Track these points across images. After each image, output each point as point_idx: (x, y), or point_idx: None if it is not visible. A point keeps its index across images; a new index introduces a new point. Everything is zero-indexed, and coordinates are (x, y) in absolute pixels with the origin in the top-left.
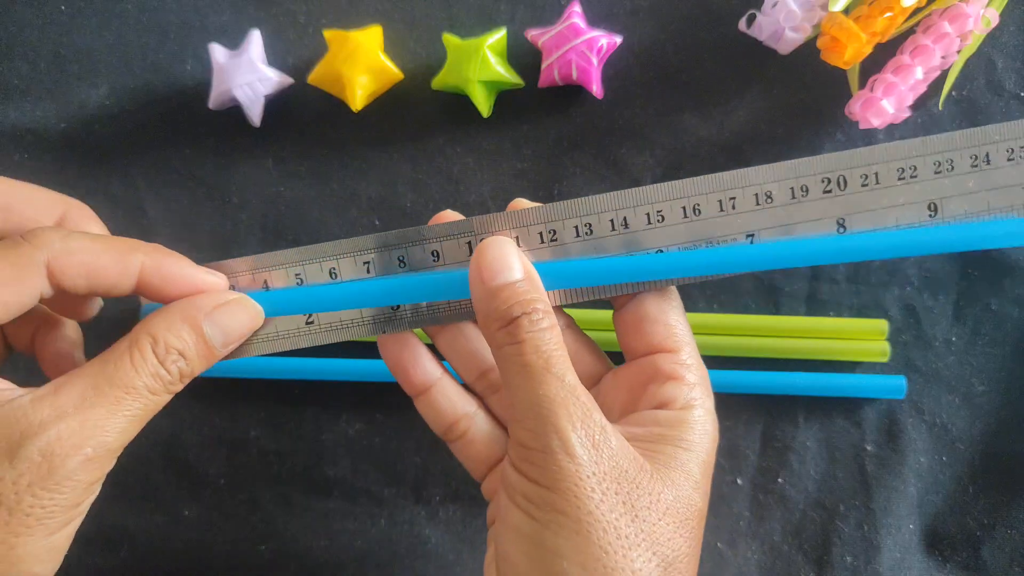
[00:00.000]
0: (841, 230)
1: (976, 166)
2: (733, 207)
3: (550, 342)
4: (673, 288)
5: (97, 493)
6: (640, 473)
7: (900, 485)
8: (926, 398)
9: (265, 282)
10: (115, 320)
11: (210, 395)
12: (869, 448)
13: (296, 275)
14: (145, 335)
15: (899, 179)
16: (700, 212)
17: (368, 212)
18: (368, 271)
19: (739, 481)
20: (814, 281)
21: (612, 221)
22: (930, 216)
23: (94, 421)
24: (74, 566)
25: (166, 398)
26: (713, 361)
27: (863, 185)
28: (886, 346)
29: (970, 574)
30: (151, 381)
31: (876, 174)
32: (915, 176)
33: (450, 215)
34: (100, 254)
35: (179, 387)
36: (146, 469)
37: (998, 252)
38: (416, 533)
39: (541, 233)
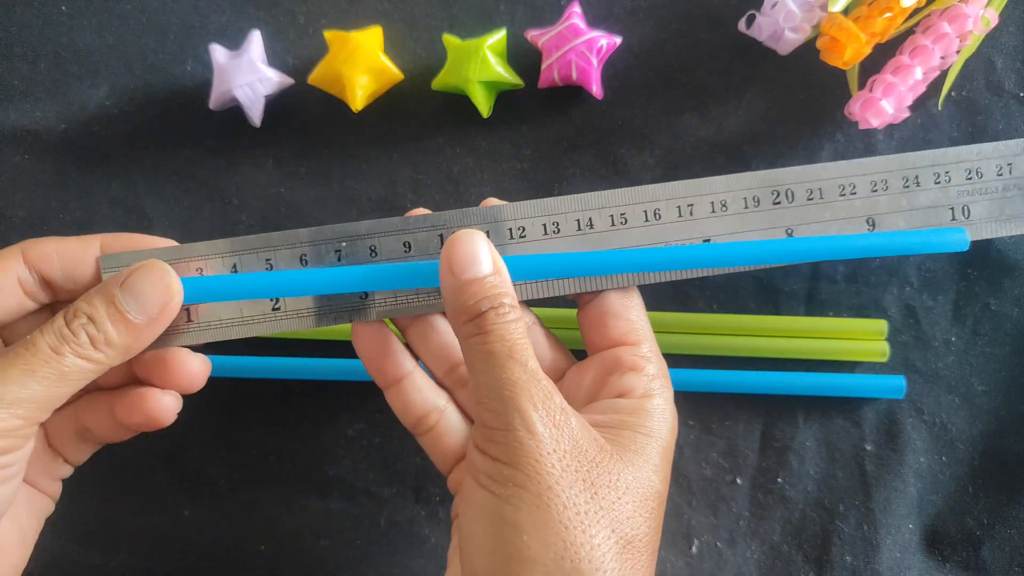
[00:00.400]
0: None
1: (907, 187)
2: (691, 213)
3: (514, 332)
4: (634, 286)
5: (24, 450)
6: (600, 453)
7: (900, 485)
8: (926, 398)
9: (235, 266)
10: None
11: (210, 395)
12: (869, 448)
13: (267, 260)
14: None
15: (840, 195)
16: (660, 217)
17: (368, 212)
18: (339, 259)
19: (739, 481)
20: (813, 281)
21: (578, 221)
22: (869, 229)
23: (9, 377)
24: (74, 566)
25: (77, 362)
26: (713, 361)
27: (808, 199)
28: (885, 346)
29: (970, 574)
30: (53, 339)
31: (820, 189)
32: (854, 193)
33: (421, 211)
34: (66, 240)
35: (93, 352)
36: (146, 469)
37: (997, 252)
38: (416, 533)
39: (511, 229)
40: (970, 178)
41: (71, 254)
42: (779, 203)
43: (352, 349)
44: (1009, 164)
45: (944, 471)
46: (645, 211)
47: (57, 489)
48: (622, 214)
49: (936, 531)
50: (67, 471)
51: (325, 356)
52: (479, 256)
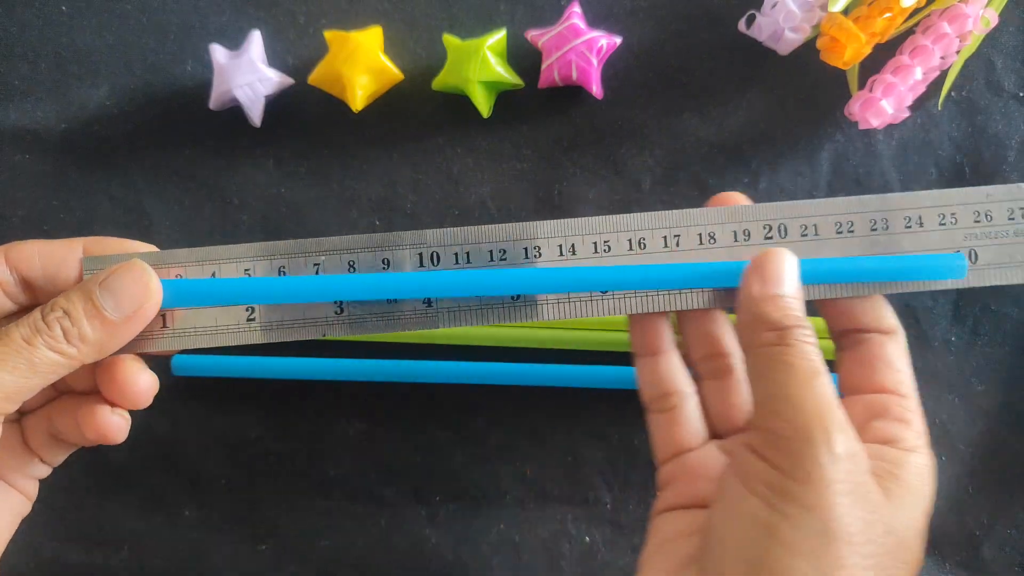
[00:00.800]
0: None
1: (909, 227)
2: (677, 244)
3: (818, 355)
4: (902, 333)
5: None
6: (880, 501)
7: None
8: (925, 398)
9: (213, 273)
10: None
11: (211, 395)
12: None
13: (245, 270)
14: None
15: (837, 232)
16: (645, 246)
17: (368, 213)
18: (316, 271)
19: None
20: None
21: (560, 247)
22: None
23: None
24: (75, 565)
25: (49, 355)
26: None
27: (802, 235)
28: None
29: (970, 574)
30: (27, 331)
31: (815, 226)
32: (852, 231)
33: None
34: (49, 243)
35: (66, 346)
36: (146, 469)
37: None
38: (416, 533)
39: (491, 251)
40: (978, 221)
41: (53, 257)
42: (771, 238)
43: (352, 349)
44: (1022, 208)
45: (944, 471)
46: (630, 240)
47: (33, 489)
48: (606, 241)
49: (936, 531)
50: (44, 471)
51: (325, 356)
52: (787, 275)
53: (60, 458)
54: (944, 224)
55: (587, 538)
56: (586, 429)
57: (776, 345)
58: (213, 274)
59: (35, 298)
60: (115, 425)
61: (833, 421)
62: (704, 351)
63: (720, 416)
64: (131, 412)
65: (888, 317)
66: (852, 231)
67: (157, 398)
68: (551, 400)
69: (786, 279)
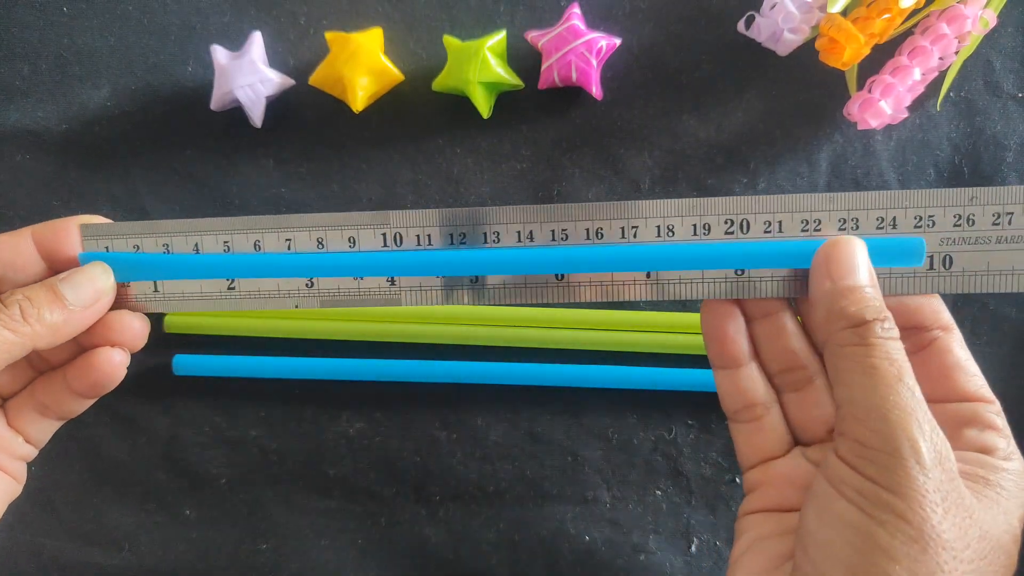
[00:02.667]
0: (739, 273)
1: (881, 227)
2: (635, 235)
3: (900, 352)
4: (958, 330)
5: None
6: (972, 505)
7: None
8: None
9: (196, 244)
10: None
11: (211, 395)
12: None
13: (225, 242)
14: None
15: (803, 231)
16: (602, 236)
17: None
18: (288, 247)
19: (738, 480)
20: None
21: (519, 233)
22: None
23: None
24: (75, 565)
25: (4, 333)
26: None
27: (766, 231)
28: None
29: None
30: None
31: (780, 222)
32: (818, 229)
33: None
34: (1, 235)
35: (22, 325)
36: (147, 469)
37: None
38: (416, 532)
39: (452, 234)
40: (958, 225)
41: (6, 246)
42: (732, 233)
43: (352, 350)
44: (1010, 214)
45: None
46: (588, 229)
47: (20, 472)
48: (563, 230)
49: None
50: (30, 452)
51: (325, 356)
52: (860, 264)
53: (45, 435)
54: (920, 227)
55: (586, 537)
56: (586, 429)
57: (857, 346)
58: (196, 245)
59: None
60: (117, 362)
61: (919, 431)
62: (781, 365)
63: (803, 426)
64: (128, 415)
65: (944, 312)
66: (819, 229)
67: (157, 397)
68: (551, 400)
69: (859, 268)
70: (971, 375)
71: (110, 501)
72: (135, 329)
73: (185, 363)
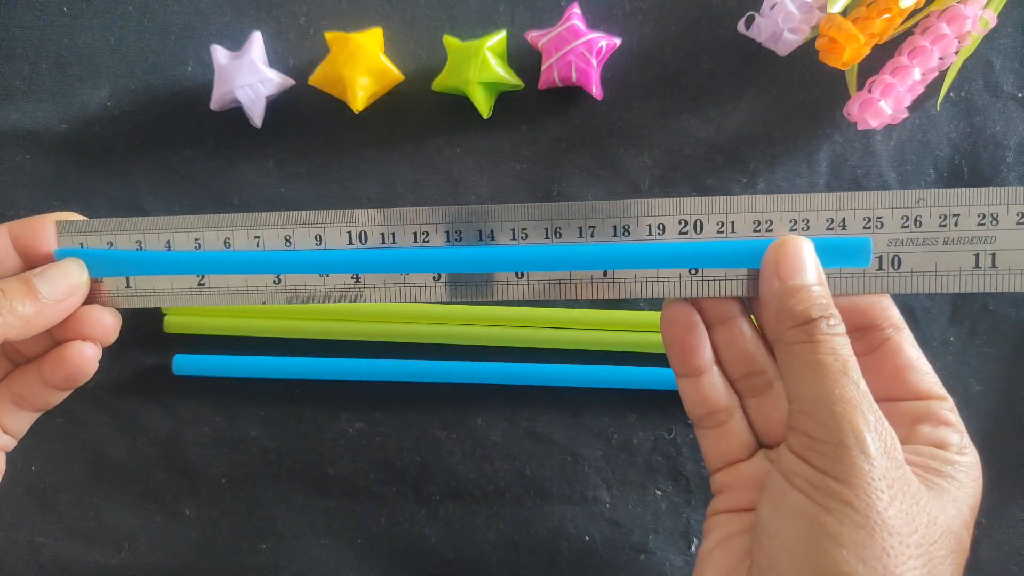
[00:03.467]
0: (693, 272)
1: (831, 228)
2: (592, 234)
3: (846, 347)
4: (907, 327)
5: None
6: (920, 492)
7: None
8: None
9: (168, 240)
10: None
11: (211, 394)
12: None
13: (195, 239)
14: None
15: (755, 231)
16: (560, 235)
17: None
18: (256, 245)
19: None
20: None
21: (480, 232)
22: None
23: None
24: (75, 565)
25: None
26: None
27: (719, 232)
28: None
29: (968, 573)
30: None
31: (732, 223)
32: (770, 230)
33: None
34: None
35: None
36: (147, 468)
37: None
38: (416, 532)
39: (415, 233)
40: (906, 226)
41: None
42: (685, 233)
43: (352, 350)
44: (956, 215)
45: None
46: (547, 228)
47: None
48: (523, 229)
49: None
50: (8, 442)
51: (325, 356)
52: (807, 263)
53: (23, 426)
54: (868, 227)
55: (586, 537)
56: (585, 429)
57: (804, 343)
58: (168, 242)
59: None
60: (88, 355)
61: (864, 422)
62: (740, 371)
63: (765, 429)
64: (128, 415)
65: (894, 311)
66: (770, 230)
67: (157, 397)
68: (551, 400)
69: (807, 267)
70: (924, 373)
71: (110, 500)
72: (106, 324)
73: (185, 363)
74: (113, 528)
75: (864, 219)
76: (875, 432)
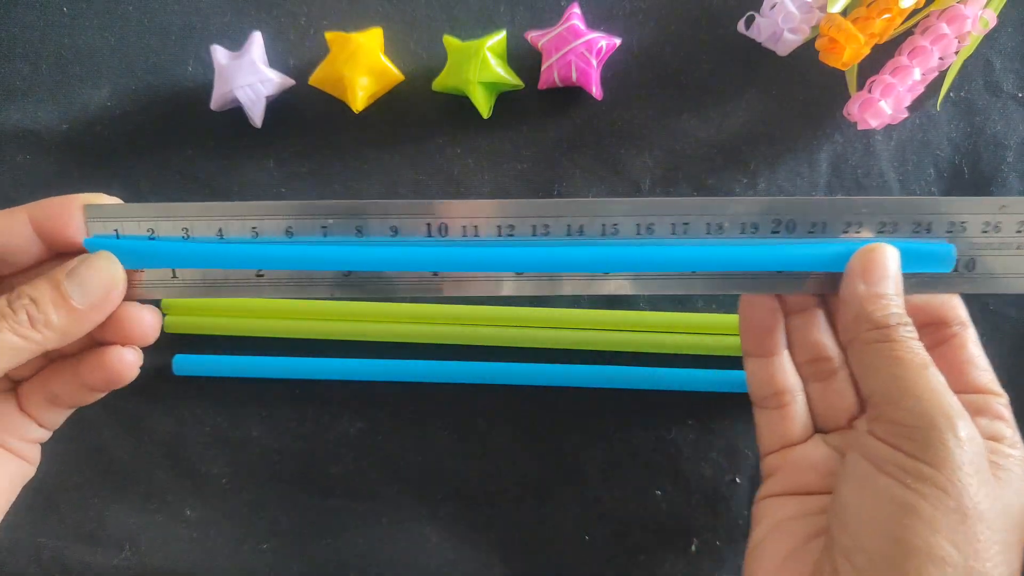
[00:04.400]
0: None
1: (917, 231)
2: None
3: (922, 348)
4: (972, 326)
5: None
6: (995, 481)
7: None
8: None
9: (220, 229)
10: None
11: (212, 395)
12: None
13: (253, 227)
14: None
15: (843, 232)
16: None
17: None
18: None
19: (738, 480)
20: None
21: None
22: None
23: None
24: (76, 565)
25: (13, 339)
26: (713, 361)
27: (809, 232)
28: None
29: None
30: None
31: (824, 224)
32: (859, 231)
33: None
34: None
35: (30, 331)
36: (148, 469)
37: None
38: (417, 531)
39: (499, 227)
40: (986, 231)
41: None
42: (778, 232)
43: (353, 350)
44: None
45: None
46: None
47: (33, 454)
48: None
49: None
50: (43, 435)
51: (326, 356)
52: (891, 273)
53: (58, 420)
54: (951, 232)
55: (586, 537)
56: (586, 429)
57: (881, 342)
58: (219, 230)
59: None
60: (129, 362)
61: (952, 407)
62: (808, 356)
63: (825, 414)
64: (130, 416)
65: (962, 309)
66: (859, 231)
67: (158, 397)
68: (551, 400)
69: (888, 275)
70: (983, 369)
71: (111, 501)
72: (147, 323)
73: (185, 363)
74: (115, 528)
75: (948, 223)
76: (963, 418)
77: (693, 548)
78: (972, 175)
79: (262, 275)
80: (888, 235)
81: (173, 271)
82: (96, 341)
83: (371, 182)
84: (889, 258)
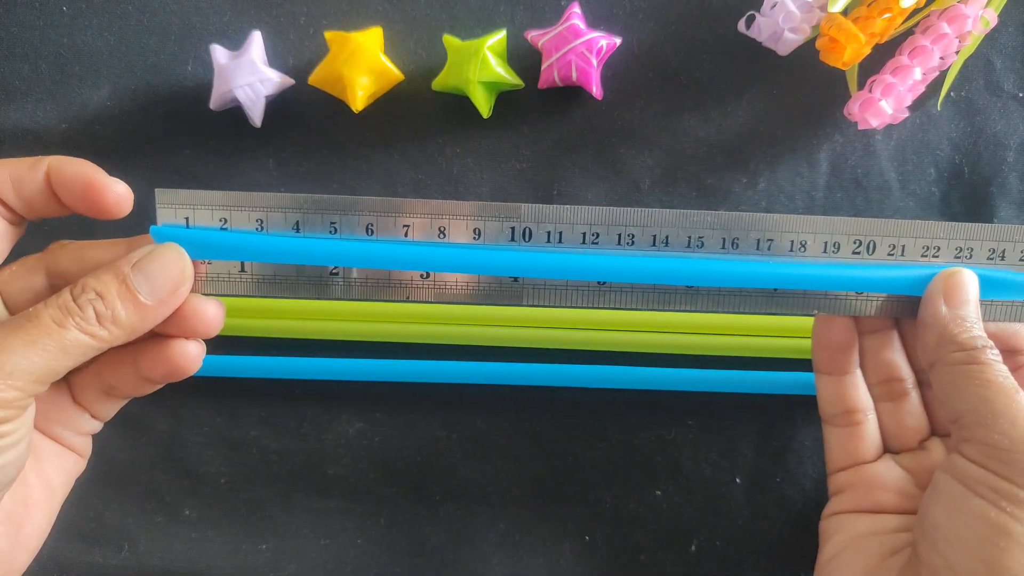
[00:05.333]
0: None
1: (958, 256)
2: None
3: (1009, 374)
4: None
5: (23, 419)
6: None
7: None
8: None
9: (297, 223)
10: None
11: (211, 394)
12: None
13: (332, 223)
14: (75, 282)
15: (922, 256)
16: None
17: None
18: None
19: (738, 480)
20: None
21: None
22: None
23: (9, 347)
24: (75, 564)
25: (80, 337)
26: (712, 361)
27: (889, 255)
28: None
29: None
30: (57, 313)
31: (903, 247)
32: (936, 256)
33: None
34: (13, 162)
35: (98, 329)
36: (147, 469)
37: None
38: (416, 532)
39: (584, 234)
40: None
41: (17, 170)
42: (859, 253)
43: (352, 350)
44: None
45: None
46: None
47: (85, 446)
48: (700, 237)
49: None
50: (95, 426)
51: (325, 356)
52: (972, 296)
53: (111, 411)
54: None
55: (586, 537)
56: (586, 429)
57: (968, 364)
58: (296, 223)
59: (11, 214)
60: (192, 354)
61: None
62: (881, 376)
63: (895, 434)
64: (129, 416)
65: None
66: (936, 256)
67: (158, 397)
68: (551, 400)
69: (969, 299)
70: None
71: (110, 501)
72: (211, 316)
73: None
74: (113, 528)
75: (1022, 252)
76: None
77: (693, 548)
78: (972, 175)
79: (336, 273)
80: (965, 261)
81: (242, 264)
82: (155, 332)
83: (371, 182)
84: (970, 283)
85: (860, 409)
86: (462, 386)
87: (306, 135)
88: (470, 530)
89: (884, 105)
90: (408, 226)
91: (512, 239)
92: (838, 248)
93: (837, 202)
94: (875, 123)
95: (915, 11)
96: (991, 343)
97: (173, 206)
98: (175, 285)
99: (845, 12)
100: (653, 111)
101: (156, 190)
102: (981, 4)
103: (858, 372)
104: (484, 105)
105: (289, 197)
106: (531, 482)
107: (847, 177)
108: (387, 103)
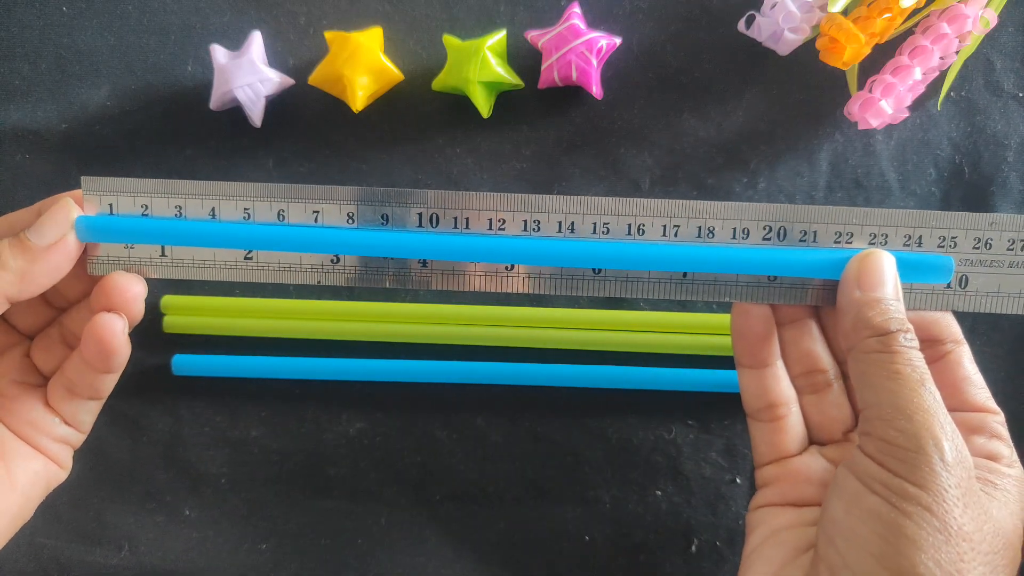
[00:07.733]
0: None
1: (907, 244)
2: (676, 234)
3: (921, 360)
4: (966, 344)
5: None
6: (983, 497)
7: None
8: None
9: (213, 209)
10: None
11: (211, 394)
12: None
13: (245, 209)
14: None
15: (835, 242)
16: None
17: None
18: (316, 220)
19: (738, 480)
20: None
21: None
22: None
23: None
24: (75, 565)
25: None
26: (712, 361)
27: (800, 240)
28: None
29: None
30: None
31: (815, 232)
32: (850, 242)
33: None
34: None
35: None
36: (147, 468)
37: None
38: (416, 532)
39: (491, 220)
40: (977, 247)
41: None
42: (768, 239)
43: (352, 350)
44: (1023, 240)
45: None
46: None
47: (63, 456)
48: (606, 223)
49: None
50: (69, 434)
51: (325, 356)
52: (888, 277)
53: (82, 418)
54: (943, 247)
55: (586, 537)
56: (585, 429)
57: (881, 352)
58: (212, 210)
59: None
60: (114, 326)
61: (942, 431)
62: (802, 368)
63: (820, 426)
64: (129, 416)
65: (956, 326)
66: (850, 242)
67: (157, 397)
68: (551, 400)
69: (887, 281)
70: (979, 388)
71: (110, 501)
72: (133, 292)
73: (184, 363)
74: (113, 528)
75: (940, 238)
76: (951, 442)
77: (693, 548)
78: (972, 175)
79: (251, 257)
80: (880, 246)
81: (162, 249)
82: (87, 310)
83: (371, 182)
84: (886, 263)
85: (783, 403)
86: (462, 386)
87: (306, 135)
88: (470, 530)
89: (884, 105)
90: (318, 212)
91: (420, 224)
92: (747, 234)
93: (837, 202)
94: (875, 123)
95: (915, 11)
96: (908, 326)
97: (98, 193)
98: (62, 231)
99: (845, 12)
100: (653, 111)
101: (82, 177)
102: (981, 4)
103: (780, 364)
104: (484, 105)
105: (203, 184)
106: (531, 482)
107: (847, 177)
108: (387, 103)
